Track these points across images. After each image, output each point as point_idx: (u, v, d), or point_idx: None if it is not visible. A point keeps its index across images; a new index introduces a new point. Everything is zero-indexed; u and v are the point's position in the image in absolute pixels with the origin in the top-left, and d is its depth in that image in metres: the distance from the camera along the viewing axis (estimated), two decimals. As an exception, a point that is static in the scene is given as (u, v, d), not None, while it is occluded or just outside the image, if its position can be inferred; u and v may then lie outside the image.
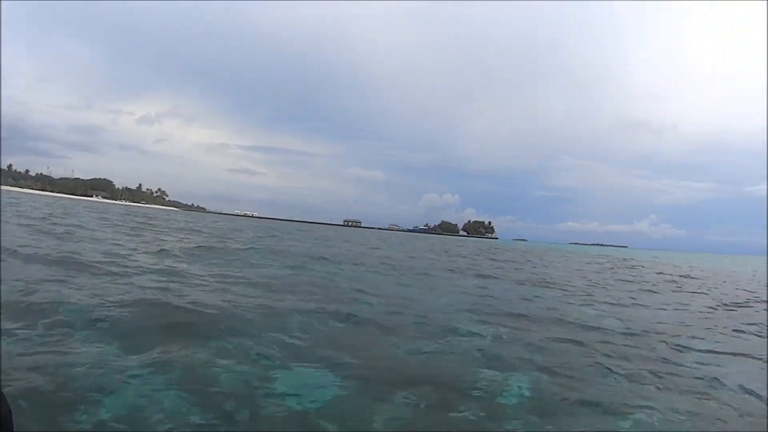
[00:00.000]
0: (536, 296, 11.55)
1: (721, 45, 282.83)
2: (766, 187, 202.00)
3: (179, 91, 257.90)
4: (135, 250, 13.59)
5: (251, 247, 18.67)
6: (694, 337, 7.71)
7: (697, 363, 6.06)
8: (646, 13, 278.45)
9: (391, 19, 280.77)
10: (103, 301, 6.48)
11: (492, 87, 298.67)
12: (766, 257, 71.19)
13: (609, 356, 5.97)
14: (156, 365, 4.30)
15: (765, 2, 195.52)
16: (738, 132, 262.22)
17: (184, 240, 19.91)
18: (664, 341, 7.16)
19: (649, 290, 15.10)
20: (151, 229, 24.48)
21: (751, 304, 13.14)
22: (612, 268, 27.24)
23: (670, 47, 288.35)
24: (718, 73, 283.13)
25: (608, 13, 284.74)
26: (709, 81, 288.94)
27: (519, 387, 4.61)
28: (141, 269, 9.89)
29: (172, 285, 8.39)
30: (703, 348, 7.01)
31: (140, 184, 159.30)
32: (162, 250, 14.20)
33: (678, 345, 7.00)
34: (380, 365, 5.02)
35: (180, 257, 13.04)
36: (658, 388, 4.94)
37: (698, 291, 16.26)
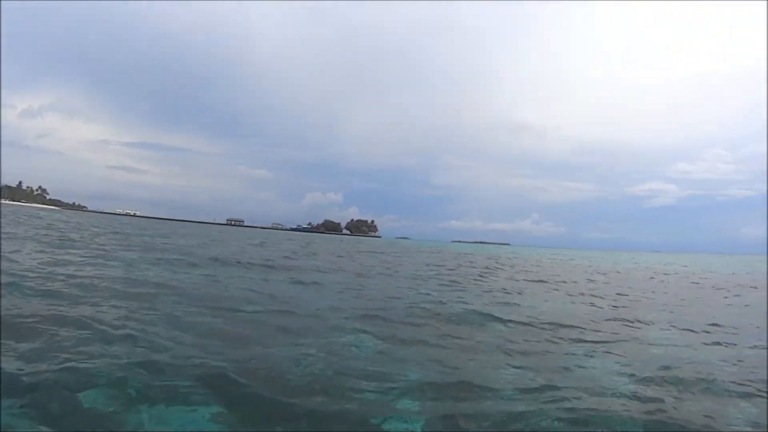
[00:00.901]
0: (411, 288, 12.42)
1: (607, 50, 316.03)
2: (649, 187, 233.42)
3: (62, 83, 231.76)
4: None
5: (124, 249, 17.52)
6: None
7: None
8: (529, 17, 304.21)
9: (274, 16, 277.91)
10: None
11: (372, 86, 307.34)
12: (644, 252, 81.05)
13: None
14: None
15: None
16: (618, 135, 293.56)
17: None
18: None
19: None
20: None
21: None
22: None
23: (552, 50, 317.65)
24: (598, 78, 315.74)
25: (493, 17, 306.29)
26: (589, 85, 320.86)
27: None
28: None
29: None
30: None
31: (20, 182, 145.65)
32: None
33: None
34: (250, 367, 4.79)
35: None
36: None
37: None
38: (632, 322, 8.95)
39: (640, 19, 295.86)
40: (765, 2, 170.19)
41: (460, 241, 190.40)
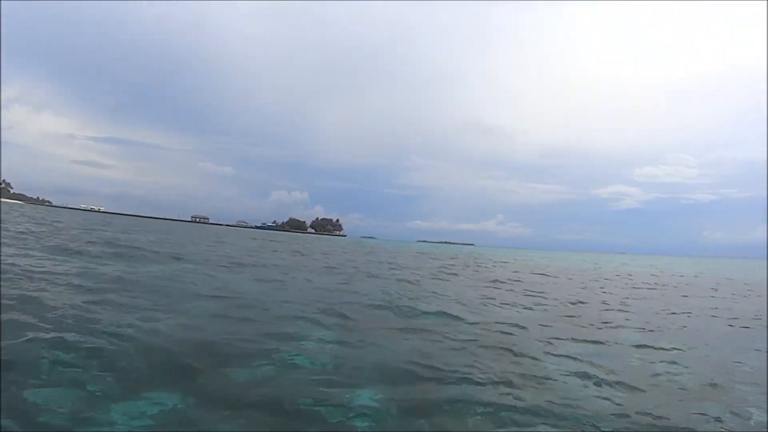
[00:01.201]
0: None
1: (575, 53, 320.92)
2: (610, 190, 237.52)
3: (29, 76, 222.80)
4: None
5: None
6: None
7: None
8: (497, 19, 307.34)
9: (245, 13, 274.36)
10: None
11: (341, 85, 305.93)
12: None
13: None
14: None
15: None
16: (583, 138, 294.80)
17: None
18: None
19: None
20: None
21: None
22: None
23: (521, 53, 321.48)
24: (565, 82, 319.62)
25: (463, 18, 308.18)
26: (557, 88, 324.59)
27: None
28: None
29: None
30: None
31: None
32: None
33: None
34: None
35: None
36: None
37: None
38: (593, 324, 9.15)
39: (612, 22, 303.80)
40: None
41: (425, 241, 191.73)
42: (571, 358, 6.29)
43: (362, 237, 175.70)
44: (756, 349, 7.73)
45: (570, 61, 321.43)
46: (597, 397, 4.83)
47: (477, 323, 8.36)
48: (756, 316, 11.86)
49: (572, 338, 7.64)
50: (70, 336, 5.15)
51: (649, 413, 4.44)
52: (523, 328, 8.21)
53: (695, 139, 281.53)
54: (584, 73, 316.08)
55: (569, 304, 12.01)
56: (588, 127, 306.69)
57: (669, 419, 4.34)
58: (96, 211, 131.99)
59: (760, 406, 4.82)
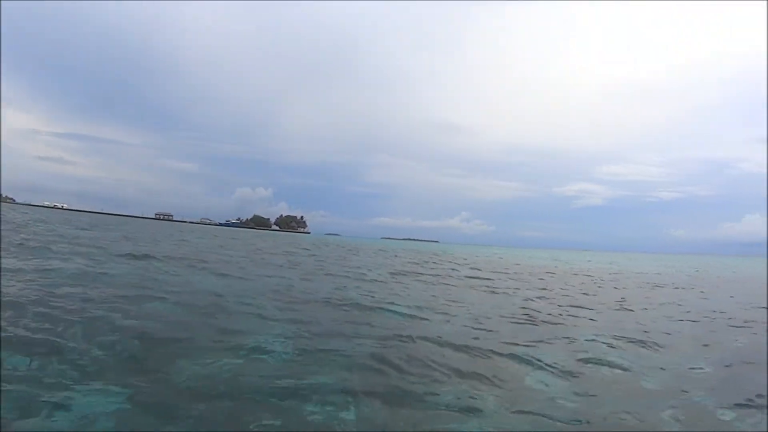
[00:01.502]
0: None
1: (542, 53, 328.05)
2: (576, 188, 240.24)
3: None
4: None
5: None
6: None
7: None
8: (463, 19, 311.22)
9: (209, 13, 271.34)
10: None
11: (307, 83, 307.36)
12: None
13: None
14: None
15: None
16: (548, 137, 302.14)
17: None
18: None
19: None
20: None
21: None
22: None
23: (493, 52, 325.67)
24: (535, 81, 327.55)
25: (430, 19, 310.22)
26: (523, 88, 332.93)
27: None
28: None
29: None
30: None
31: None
32: None
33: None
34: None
35: None
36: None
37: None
38: (555, 323, 9.26)
39: (577, 23, 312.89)
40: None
41: (390, 238, 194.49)
42: (534, 358, 6.33)
43: (327, 234, 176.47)
44: (718, 343, 8.10)
45: (540, 62, 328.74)
46: (556, 398, 4.87)
47: (439, 322, 8.44)
48: (717, 310, 12.32)
49: (535, 339, 7.65)
50: (27, 332, 5.20)
51: (606, 416, 4.49)
52: (485, 327, 8.24)
53: (660, 137, 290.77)
54: (553, 73, 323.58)
55: (530, 301, 12.24)
56: (553, 126, 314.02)
57: (628, 421, 4.39)
58: (59, 209, 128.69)
59: (716, 406, 4.89)
